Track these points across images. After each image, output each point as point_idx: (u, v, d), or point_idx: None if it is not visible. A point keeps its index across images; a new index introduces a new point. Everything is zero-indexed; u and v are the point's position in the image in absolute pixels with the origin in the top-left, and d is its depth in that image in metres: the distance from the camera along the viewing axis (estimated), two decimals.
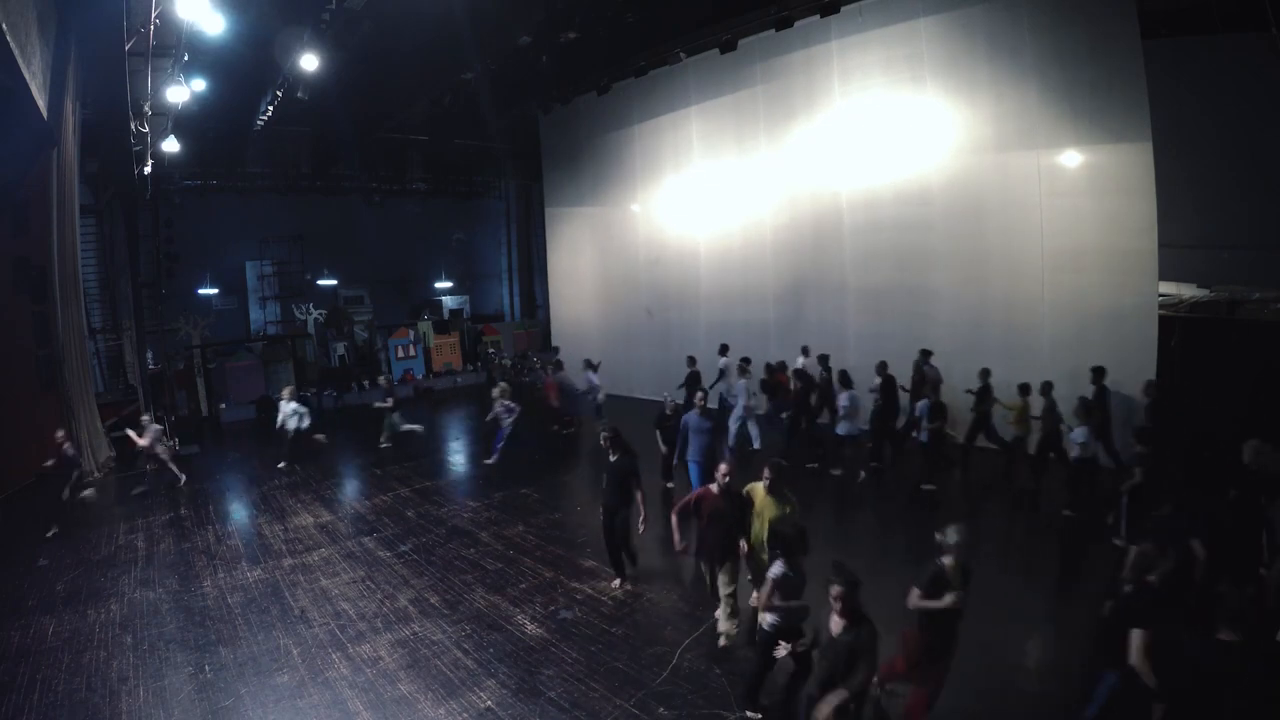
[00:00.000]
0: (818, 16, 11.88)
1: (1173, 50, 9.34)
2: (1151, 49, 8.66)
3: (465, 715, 4.82)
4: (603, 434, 6.74)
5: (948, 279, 11.00)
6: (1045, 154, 9.76)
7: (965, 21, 10.36)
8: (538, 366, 20.27)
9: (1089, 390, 8.68)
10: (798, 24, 12.27)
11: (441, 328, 21.81)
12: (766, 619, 4.49)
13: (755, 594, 4.90)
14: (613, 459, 6.59)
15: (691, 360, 12.57)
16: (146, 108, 10.77)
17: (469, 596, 6.65)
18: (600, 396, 13.02)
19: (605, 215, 17.59)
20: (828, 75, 12.24)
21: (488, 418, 11.86)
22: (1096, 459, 7.77)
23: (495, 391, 11.90)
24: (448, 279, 25.16)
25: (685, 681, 5.06)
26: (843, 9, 11.54)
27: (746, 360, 11.71)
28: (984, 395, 9.42)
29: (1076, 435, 7.66)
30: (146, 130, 11.52)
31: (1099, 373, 8.78)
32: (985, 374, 9.50)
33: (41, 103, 7.68)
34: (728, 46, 13.46)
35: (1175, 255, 9.38)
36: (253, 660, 5.66)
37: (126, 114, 10.22)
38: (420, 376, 19.98)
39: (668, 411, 9.52)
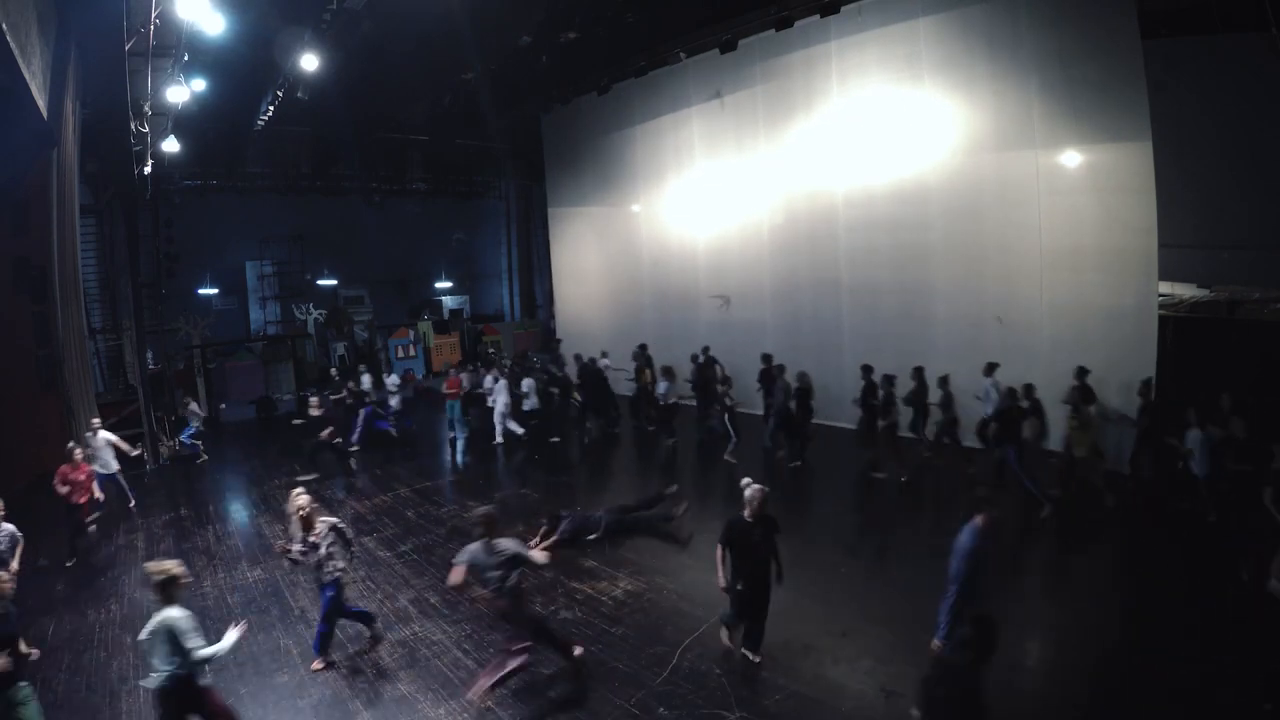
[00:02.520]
0: (817, 16, 11.87)
1: (1173, 50, 9.33)
2: (1151, 49, 8.65)
3: (465, 715, 4.82)
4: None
5: (945, 278, 10.99)
6: (1044, 153, 9.75)
7: (964, 21, 10.34)
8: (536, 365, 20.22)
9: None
10: (797, 24, 12.27)
11: (441, 328, 21.82)
12: None
13: None
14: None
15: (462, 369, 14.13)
16: (146, 108, 10.76)
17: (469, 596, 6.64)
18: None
19: (608, 215, 17.59)
20: (826, 75, 12.24)
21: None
22: (678, 404, 11.95)
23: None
24: (448, 279, 25.18)
25: (685, 681, 5.06)
26: (842, 9, 11.53)
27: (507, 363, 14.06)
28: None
29: (660, 386, 11.95)
30: (146, 130, 11.50)
31: (705, 350, 12.79)
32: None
33: (41, 103, 7.66)
34: (728, 46, 13.45)
35: (1175, 255, 9.37)
36: (253, 660, 5.66)
37: (126, 114, 10.21)
38: (420, 377, 19.99)
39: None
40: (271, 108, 14.18)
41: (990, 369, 9.65)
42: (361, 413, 12.94)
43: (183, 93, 10.02)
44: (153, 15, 7.93)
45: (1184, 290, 10.37)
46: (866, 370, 10.11)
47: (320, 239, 21.48)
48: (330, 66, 11.11)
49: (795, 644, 5.50)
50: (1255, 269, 9.69)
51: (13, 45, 5.75)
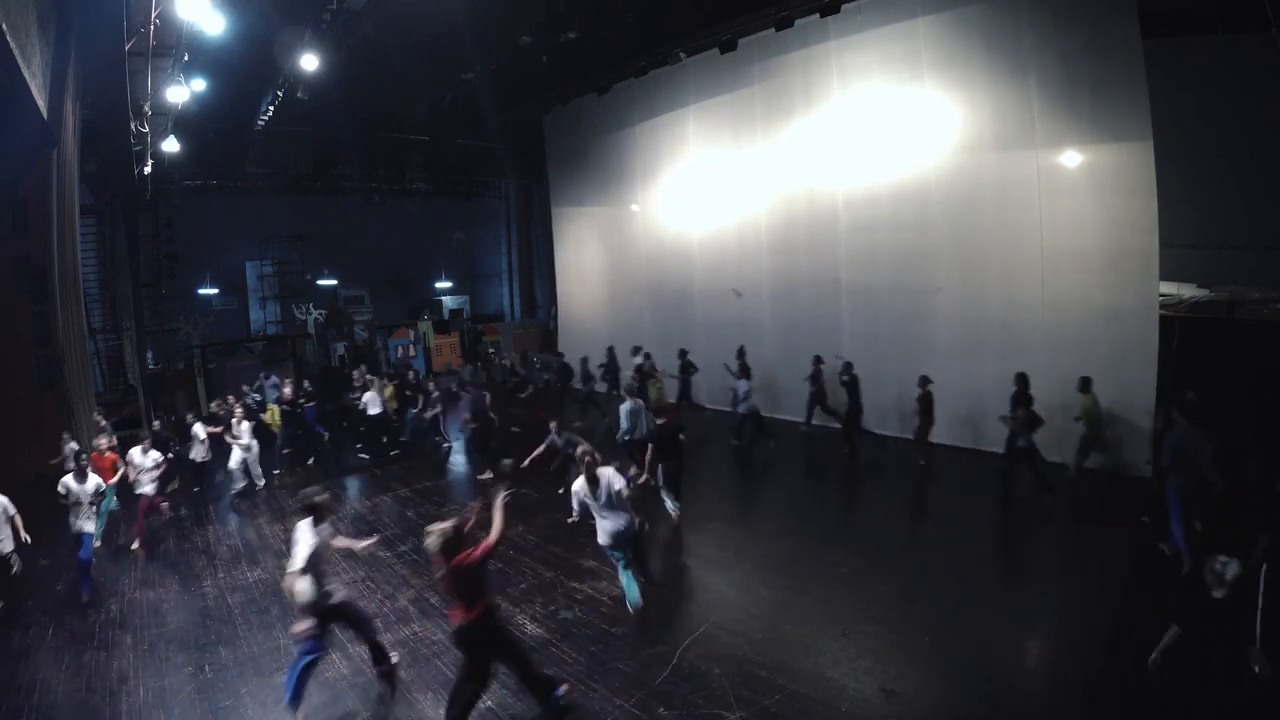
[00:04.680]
0: (817, 16, 11.88)
1: (1173, 50, 9.32)
2: (1151, 49, 8.64)
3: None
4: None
5: (945, 278, 10.97)
6: (1044, 153, 9.74)
7: (964, 20, 10.34)
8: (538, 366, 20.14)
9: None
10: (797, 23, 12.27)
11: (441, 328, 21.84)
12: None
13: None
14: None
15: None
16: (146, 108, 10.78)
17: None
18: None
19: (609, 214, 17.60)
20: (826, 74, 12.23)
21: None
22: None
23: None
24: (448, 279, 25.20)
25: (685, 681, 5.05)
26: (843, 9, 11.53)
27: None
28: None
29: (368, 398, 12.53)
30: (146, 130, 11.53)
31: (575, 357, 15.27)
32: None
33: (41, 103, 7.67)
34: (728, 46, 13.46)
35: (1175, 255, 9.36)
36: (253, 660, 5.66)
37: (126, 114, 10.23)
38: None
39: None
40: (271, 108, 14.19)
41: (636, 351, 13.28)
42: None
43: (183, 93, 10.03)
44: (153, 15, 7.95)
45: (1184, 290, 10.36)
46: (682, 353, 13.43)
47: (320, 239, 21.52)
48: (330, 66, 11.10)
49: (795, 644, 5.50)
50: (1255, 269, 9.68)
51: (13, 45, 5.75)
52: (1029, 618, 5.95)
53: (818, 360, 11.60)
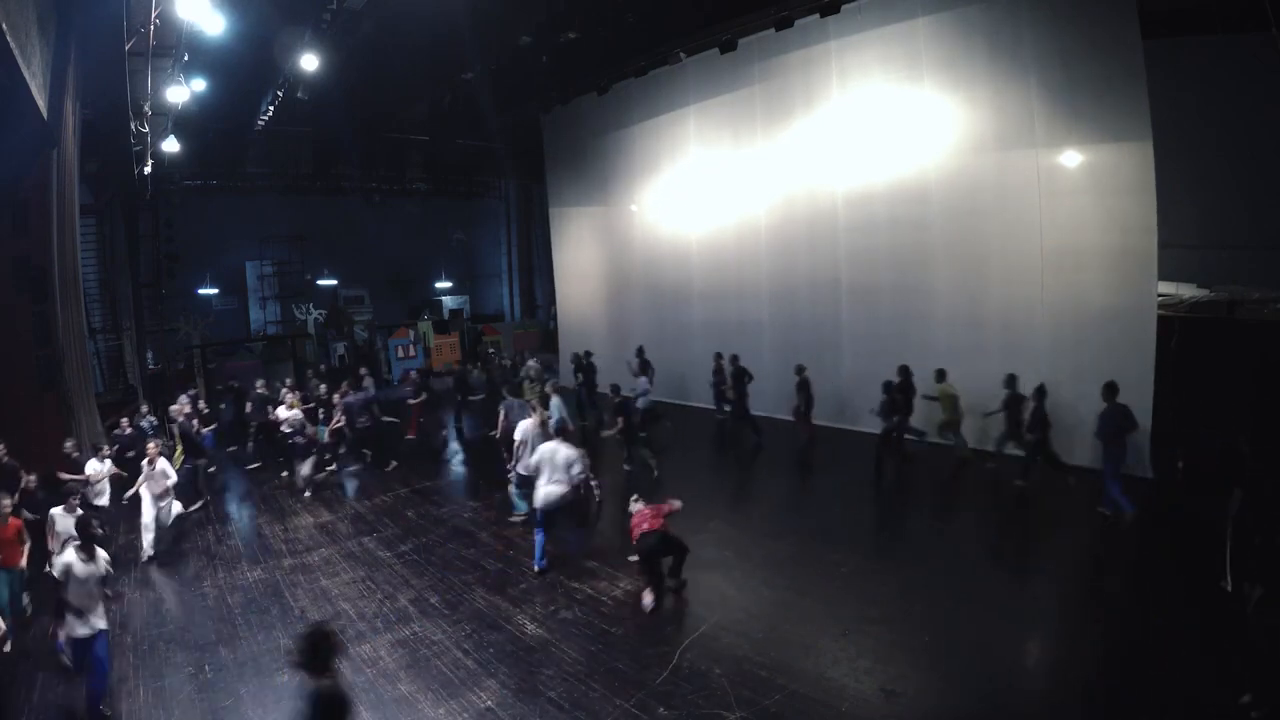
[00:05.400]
0: (817, 16, 11.88)
1: (1173, 50, 9.32)
2: (1151, 49, 8.64)
3: (465, 715, 4.82)
4: None
5: (945, 278, 10.97)
6: (1044, 153, 9.73)
7: (964, 20, 10.34)
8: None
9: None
10: (797, 23, 12.27)
11: (441, 328, 21.85)
12: None
13: None
14: None
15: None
16: (146, 108, 10.79)
17: (469, 596, 6.65)
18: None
19: (608, 214, 17.58)
20: (826, 74, 12.23)
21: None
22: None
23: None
24: (448, 279, 25.20)
25: (685, 681, 5.06)
26: (843, 9, 11.53)
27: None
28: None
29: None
30: (146, 130, 11.54)
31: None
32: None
33: (41, 103, 7.67)
34: (728, 46, 13.45)
35: (1175, 255, 9.37)
36: (253, 660, 5.66)
37: (126, 114, 10.24)
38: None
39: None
40: (271, 108, 14.19)
41: (533, 355, 15.92)
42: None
43: (183, 93, 10.03)
44: (153, 15, 7.95)
45: (1184, 290, 10.37)
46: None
47: (320, 239, 21.52)
48: (330, 66, 11.09)
49: (795, 644, 5.50)
50: (1255, 269, 9.69)
51: (13, 45, 5.75)
52: (1028, 616, 5.95)
53: (718, 357, 12.98)
